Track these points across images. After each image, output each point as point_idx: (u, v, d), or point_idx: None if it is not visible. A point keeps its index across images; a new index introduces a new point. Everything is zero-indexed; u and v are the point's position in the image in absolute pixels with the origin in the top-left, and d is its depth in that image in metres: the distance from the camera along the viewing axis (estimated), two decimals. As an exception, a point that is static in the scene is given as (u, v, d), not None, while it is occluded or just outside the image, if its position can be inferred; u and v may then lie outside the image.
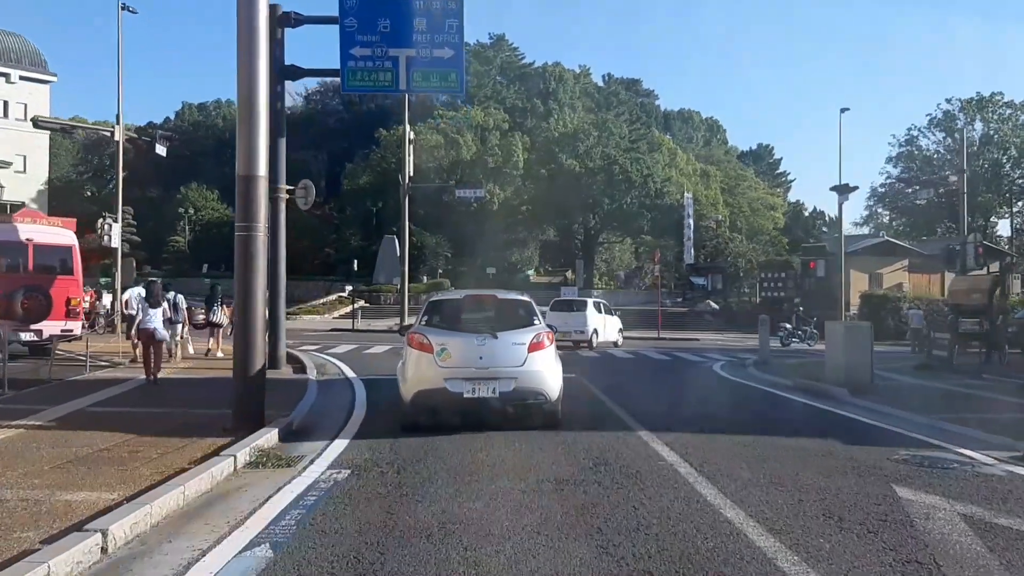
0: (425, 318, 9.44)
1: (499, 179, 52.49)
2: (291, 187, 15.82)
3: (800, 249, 50.91)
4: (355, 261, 33.52)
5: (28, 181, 52.94)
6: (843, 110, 35.22)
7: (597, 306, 25.31)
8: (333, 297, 46.69)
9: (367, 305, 44.70)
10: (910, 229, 57.15)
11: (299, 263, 63.94)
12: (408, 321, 21.73)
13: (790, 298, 39.57)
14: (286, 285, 16.40)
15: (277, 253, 15.38)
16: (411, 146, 34.31)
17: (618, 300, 48.83)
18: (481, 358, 8.58)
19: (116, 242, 22.52)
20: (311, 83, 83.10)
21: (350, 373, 15.42)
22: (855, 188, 38.82)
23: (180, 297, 16.54)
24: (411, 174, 34.59)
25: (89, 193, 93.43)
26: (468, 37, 16.34)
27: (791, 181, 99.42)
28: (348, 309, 41.83)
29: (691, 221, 43.93)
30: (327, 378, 14.51)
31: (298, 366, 15.86)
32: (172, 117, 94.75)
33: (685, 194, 43.13)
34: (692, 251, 44.69)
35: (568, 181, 51.08)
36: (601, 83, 78.12)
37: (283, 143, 15.43)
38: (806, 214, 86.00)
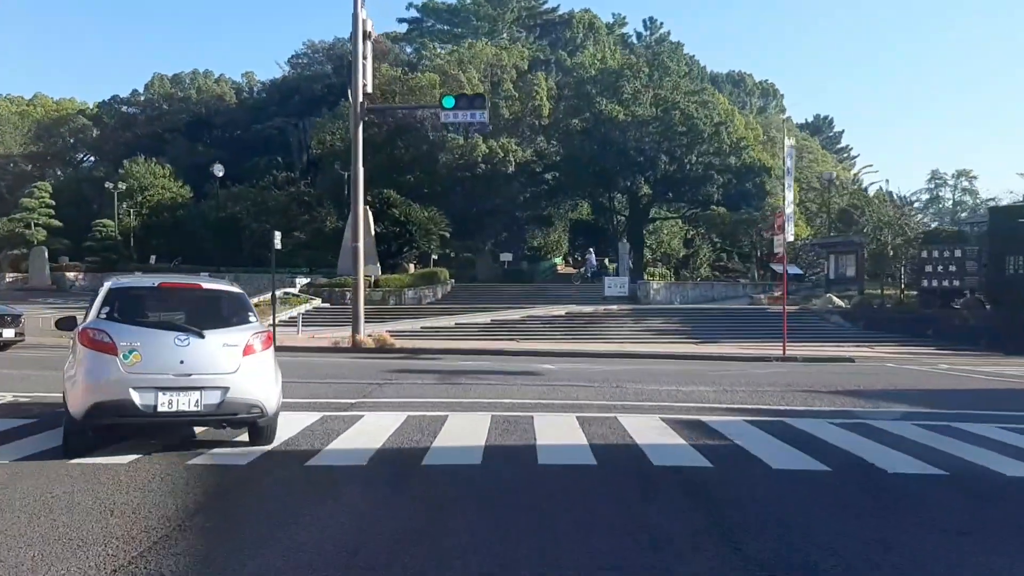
0: (105, 309, 6.97)
1: (516, 133, 38.87)
2: None
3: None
4: (276, 239, 20.06)
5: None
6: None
7: None
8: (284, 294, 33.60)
9: (327, 305, 31.82)
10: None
11: (261, 252, 50.87)
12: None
13: (967, 290, 25.79)
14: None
15: None
16: (369, 41, 20.86)
17: (688, 296, 35.26)
18: (183, 362, 6.66)
19: None
20: (298, 45, 70.73)
21: None
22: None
23: None
24: (368, 89, 21.22)
25: (52, 179, 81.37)
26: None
27: (855, 157, 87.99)
28: (297, 311, 28.95)
29: (791, 181, 29.96)
30: None
31: None
32: (140, 89, 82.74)
33: (785, 142, 29.27)
34: (792, 225, 30.82)
35: (609, 135, 37.19)
36: (643, 29, 64.66)
37: None
38: (870, 194, 73.94)
